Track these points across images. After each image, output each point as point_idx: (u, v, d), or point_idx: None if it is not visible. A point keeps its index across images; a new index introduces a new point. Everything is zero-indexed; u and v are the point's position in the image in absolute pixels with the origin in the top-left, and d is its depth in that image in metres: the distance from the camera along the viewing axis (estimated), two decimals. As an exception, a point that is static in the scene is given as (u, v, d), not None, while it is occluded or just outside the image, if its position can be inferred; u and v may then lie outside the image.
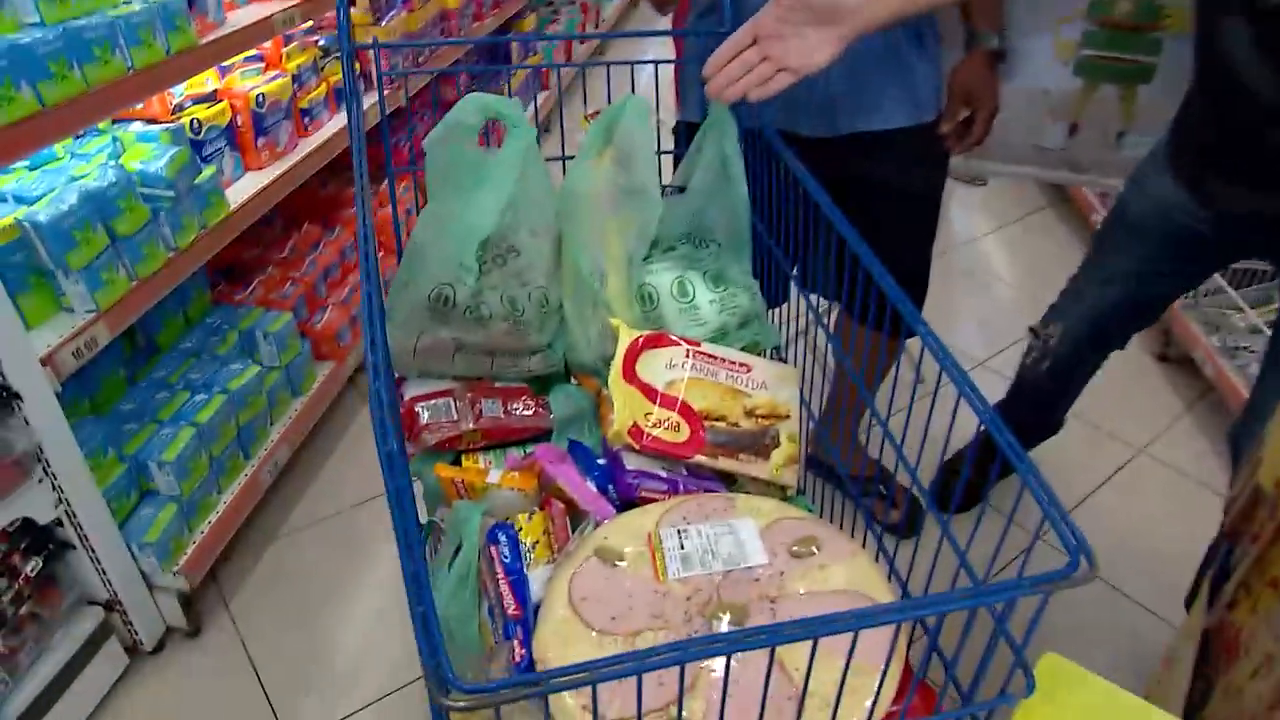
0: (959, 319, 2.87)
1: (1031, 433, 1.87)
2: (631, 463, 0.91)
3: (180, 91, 1.99)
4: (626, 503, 0.87)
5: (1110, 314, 1.60)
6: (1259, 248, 1.44)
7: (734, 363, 1.01)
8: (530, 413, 1.03)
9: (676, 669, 0.49)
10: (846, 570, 0.73)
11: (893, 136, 1.42)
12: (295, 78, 2.18)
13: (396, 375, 1.08)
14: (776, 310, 1.17)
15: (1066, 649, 0.64)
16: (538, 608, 0.73)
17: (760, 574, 0.73)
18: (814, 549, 0.75)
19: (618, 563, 0.74)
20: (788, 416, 0.97)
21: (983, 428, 0.64)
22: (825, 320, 1.03)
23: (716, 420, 0.94)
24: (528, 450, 1.01)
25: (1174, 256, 1.46)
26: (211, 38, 1.80)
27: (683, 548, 0.75)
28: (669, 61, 1.29)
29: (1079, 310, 1.63)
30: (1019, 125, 1.81)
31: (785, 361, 1.13)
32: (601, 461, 0.92)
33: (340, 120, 2.34)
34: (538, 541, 0.81)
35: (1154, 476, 2.20)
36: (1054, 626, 1.64)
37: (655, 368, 0.97)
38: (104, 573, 1.60)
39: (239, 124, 2.01)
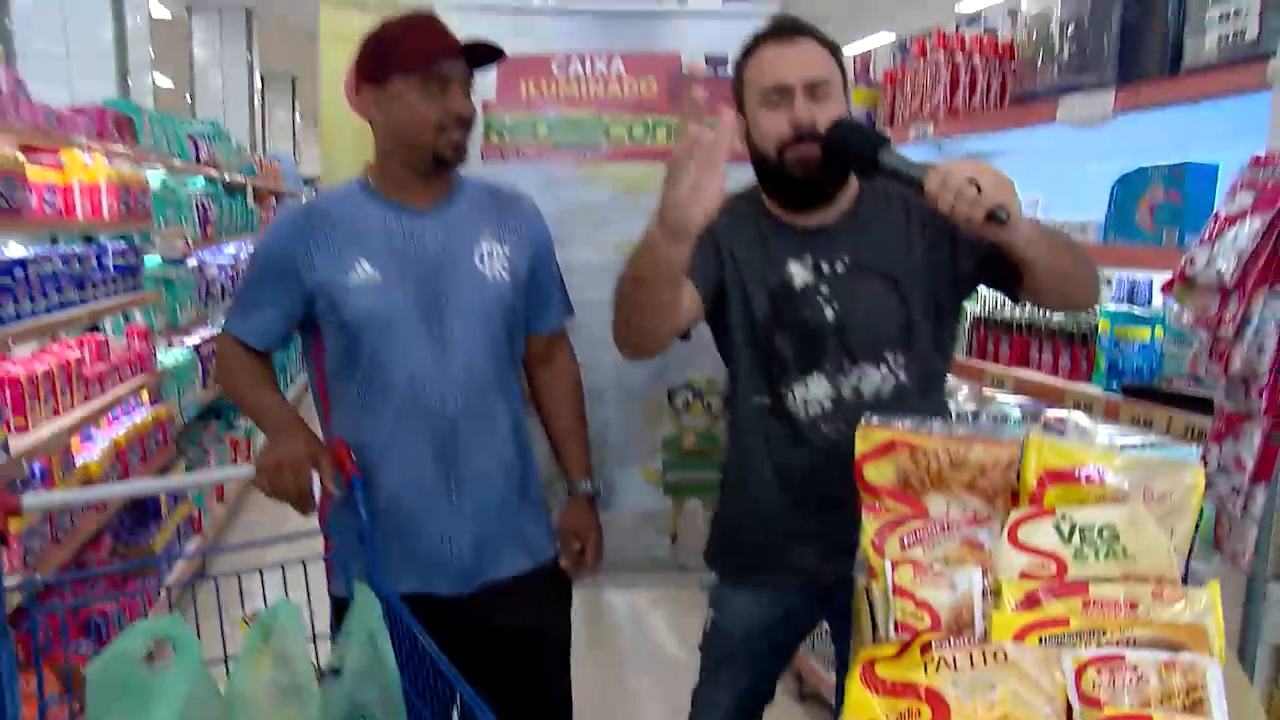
0: (650, 702, 3.08)
1: None
2: None
3: None
4: None
5: (742, 713, 1.74)
6: (826, 614, 1.69)
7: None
8: None
9: None
10: None
11: (517, 582, 1.64)
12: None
13: None
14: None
15: None
16: None
17: None
18: None
19: None
20: None
21: None
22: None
23: None
24: None
25: (769, 654, 1.69)
26: None
27: None
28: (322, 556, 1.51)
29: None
30: (629, 542, 2.13)
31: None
32: None
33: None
34: None
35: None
36: None
37: None
38: None
39: None
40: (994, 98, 2.27)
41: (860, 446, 1.22)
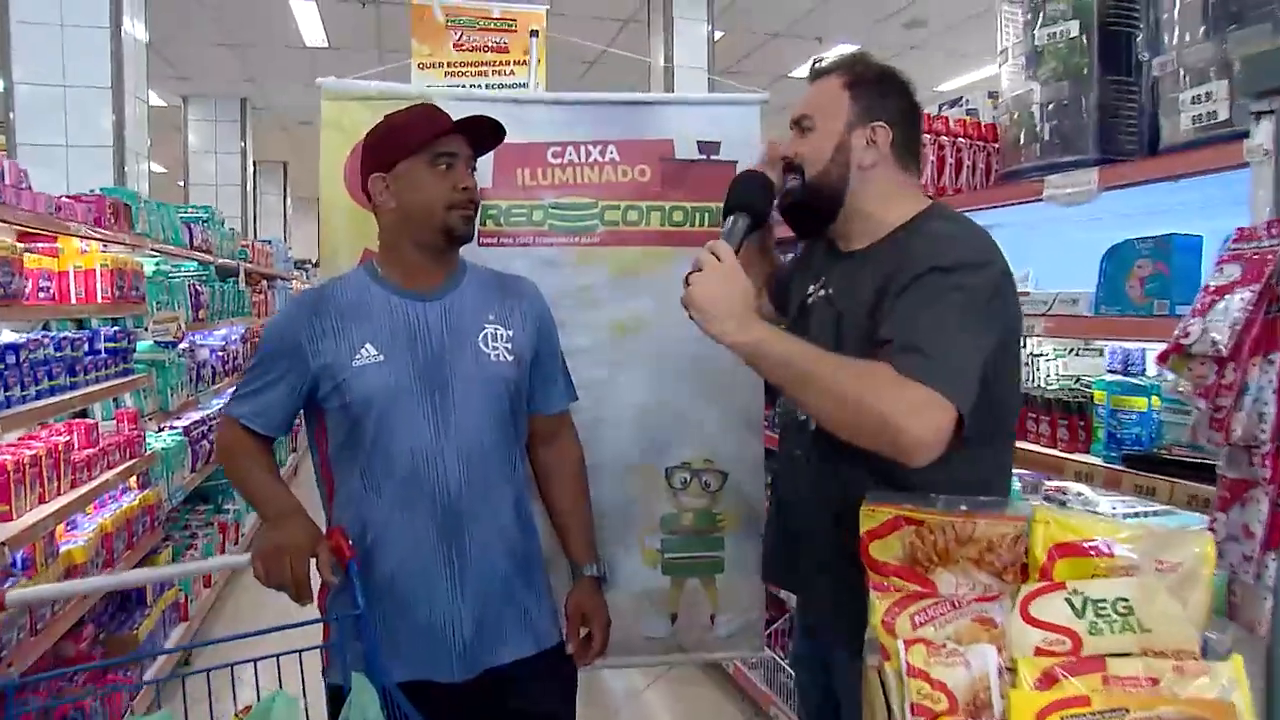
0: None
1: None
2: None
3: None
4: None
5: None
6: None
7: None
8: None
9: None
10: None
11: (521, 666, 1.61)
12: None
13: None
14: None
15: None
16: None
17: None
18: None
19: None
20: None
21: None
22: None
23: None
24: None
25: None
26: None
27: None
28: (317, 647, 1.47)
29: None
30: (628, 623, 2.09)
31: None
32: None
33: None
34: None
35: None
36: None
37: None
38: None
39: None
40: (979, 177, 2.33)
41: (865, 524, 1.21)
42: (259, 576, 1.47)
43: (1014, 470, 2.22)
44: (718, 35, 7.03)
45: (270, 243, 8.05)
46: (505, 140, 1.68)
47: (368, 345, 1.56)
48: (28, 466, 2.61)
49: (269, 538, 1.48)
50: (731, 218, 1.47)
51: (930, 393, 1.20)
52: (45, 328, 3.37)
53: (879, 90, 1.47)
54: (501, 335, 1.63)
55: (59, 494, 2.82)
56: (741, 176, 1.55)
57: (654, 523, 2.16)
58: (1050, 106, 2.07)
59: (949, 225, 1.41)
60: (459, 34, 5.92)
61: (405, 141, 1.56)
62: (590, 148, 2.10)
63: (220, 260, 5.37)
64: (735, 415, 2.18)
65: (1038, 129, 2.14)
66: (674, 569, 2.17)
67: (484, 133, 1.62)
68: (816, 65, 1.54)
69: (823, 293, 1.52)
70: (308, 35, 8.10)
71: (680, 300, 1.34)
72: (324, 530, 1.54)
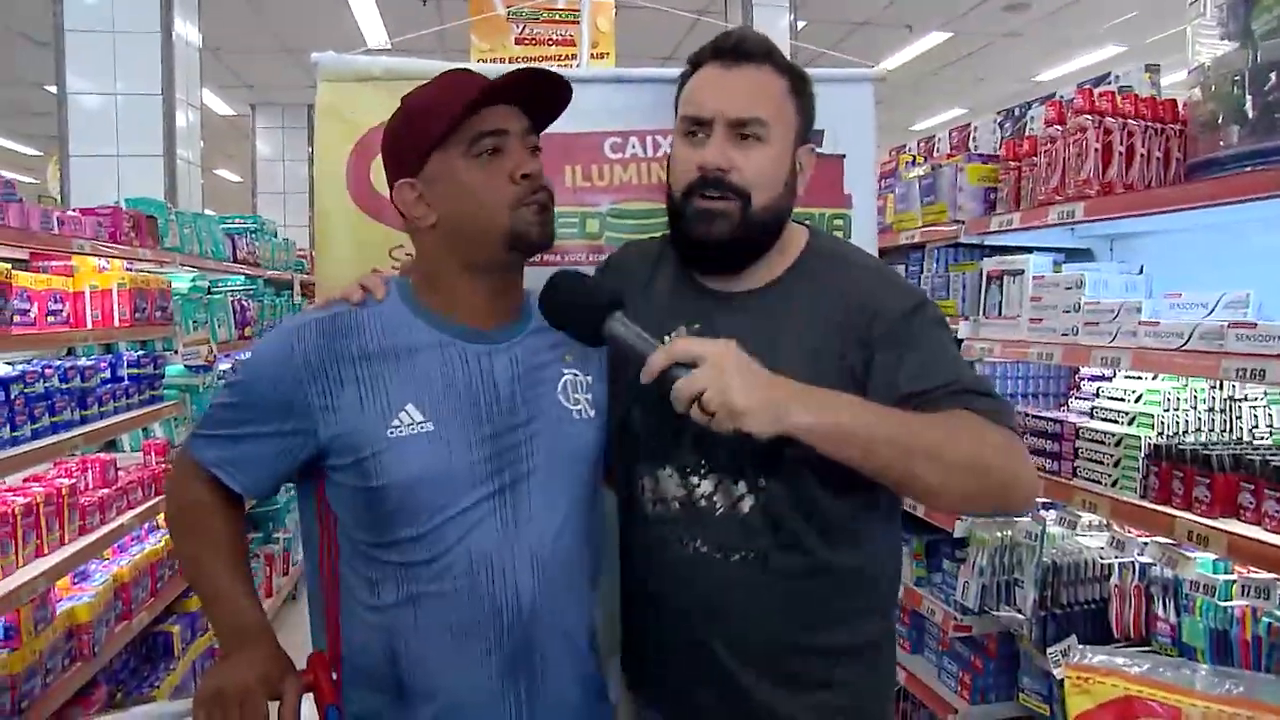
0: None
1: None
2: None
3: None
4: None
5: None
6: None
7: None
8: None
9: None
10: None
11: None
12: None
13: None
14: None
15: None
16: None
17: None
18: None
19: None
20: None
21: None
22: None
23: None
24: None
25: None
26: None
27: None
28: None
29: None
30: None
31: None
32: None
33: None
34: None
35: None
36: None
37: None
38: None
39: None
40: (1156, 169, 1.82)
41: (1075, 704, 0.83)
42: None
43: (1227, 563, 1.72)
44: (800, 25, 6.53)
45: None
46: (551, 130, 1.26)
47: (410, 407, 1.12)
48: (19, 517, 2.29)
49: (213, 676, 1.09)
50: (615, 322, 1.10)
51: (1011, 433, 1.11)
52: (71, 353, 3.11)
53: (811, 97, 1.26)
54: (581, 383, 1.23)
55: (62, 544, 2.50)
56: (566, 278, 1.16)
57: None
58: (1274, 74, 1.56)
59: (865, 254, 1.34)
60: (521, 27, 5.50)
61: (428, 128, 1.13)
62: (660, 139, 1.66)
63: (270, 273, 5.11)
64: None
65: (1247, 105, 1.64)
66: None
67: (539, 95, 1.18)
68: (733, 42, 1.20)
69: None
70: (370, 36, 7.89)
71: (689, 413, 1.02)
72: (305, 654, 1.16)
